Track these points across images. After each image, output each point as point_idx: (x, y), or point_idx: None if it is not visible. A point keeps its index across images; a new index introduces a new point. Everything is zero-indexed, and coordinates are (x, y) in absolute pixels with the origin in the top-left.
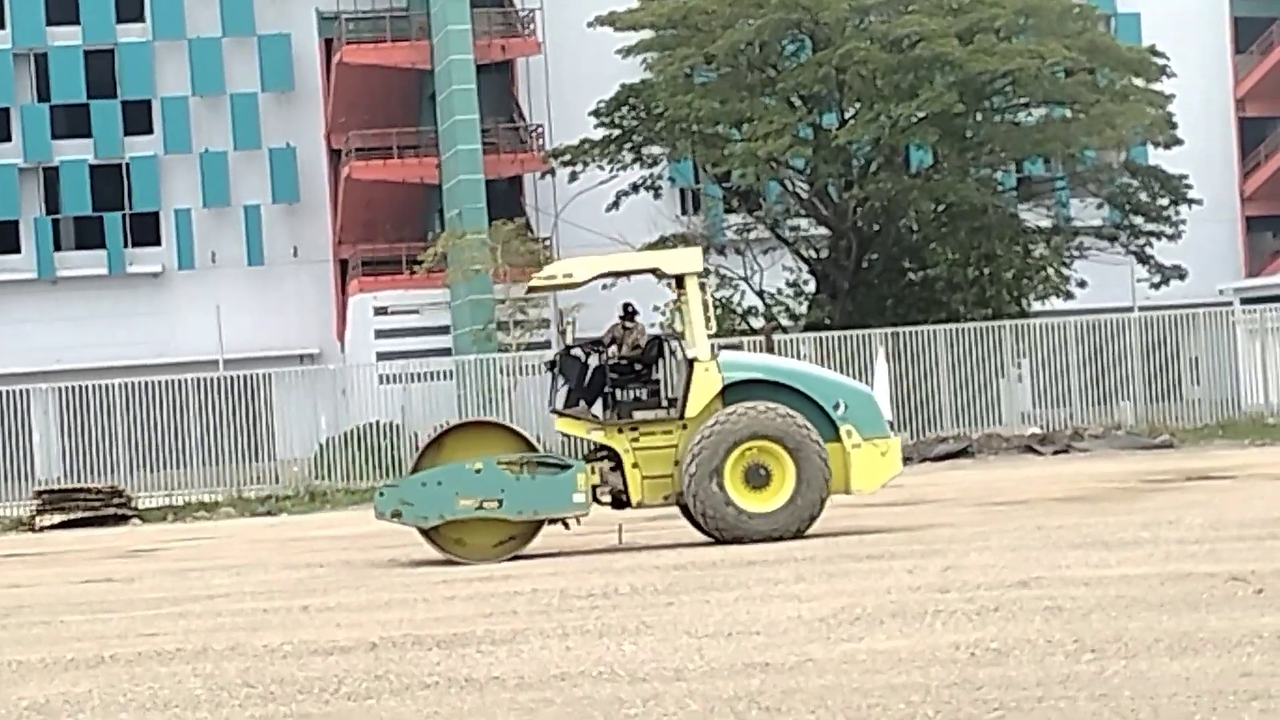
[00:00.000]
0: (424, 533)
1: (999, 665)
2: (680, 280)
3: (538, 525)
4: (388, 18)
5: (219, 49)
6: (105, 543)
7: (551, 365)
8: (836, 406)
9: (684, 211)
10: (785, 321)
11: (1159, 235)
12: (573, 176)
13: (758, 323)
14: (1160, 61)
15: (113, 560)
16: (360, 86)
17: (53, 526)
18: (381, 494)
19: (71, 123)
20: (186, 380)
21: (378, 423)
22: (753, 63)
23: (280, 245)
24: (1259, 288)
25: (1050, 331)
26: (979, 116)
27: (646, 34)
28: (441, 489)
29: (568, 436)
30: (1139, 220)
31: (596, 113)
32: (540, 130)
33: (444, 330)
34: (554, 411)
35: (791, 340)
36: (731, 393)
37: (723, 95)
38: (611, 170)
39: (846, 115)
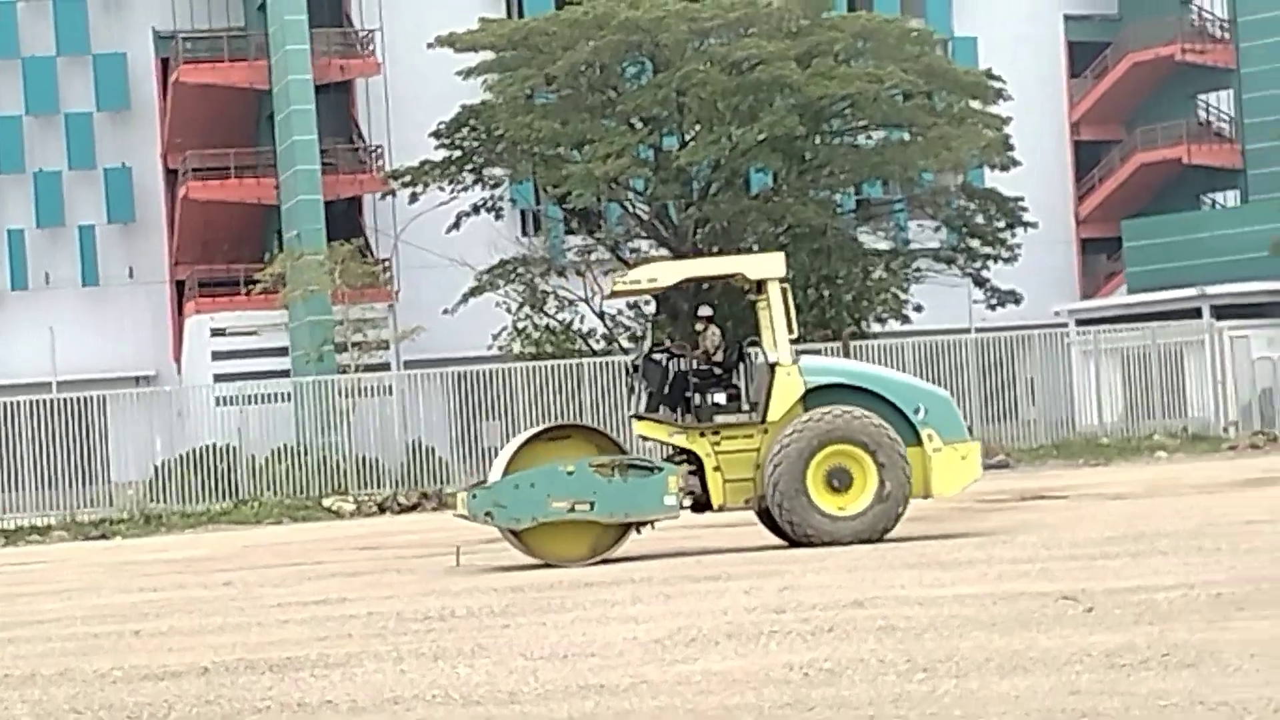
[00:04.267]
0: (515, 535)
1: (832, 685)
2: (762, 285)
3: (627, 528)
4: (225, 37)
5: (53, 68)
6: None
7: (633, 369)
8: (917, 411)
9: (525, 233)
10: (625, 343)
11: (995, 258)
12: (413, 198)
13: (598, 345)
14: (997, 85)
15: None
16: (197, 106)
17: None
18: (474, 496)
19: None
20: (19, 402)
21: (214, 445)
22: (593, 84)
23: (116, 266)
24: (1093, 309)
25: (889, 353)
26: (818, 139)
27: (486, 55)
28: (534, 491)
29: (647, 440)
30: (975, 243)
31: (436, 134)
32: (380, 151)
33: (282, 352)
34: (635, 416)
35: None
36: (813, 397)
37: (563, 117)
38: (452, 192)
39: (687, 137)
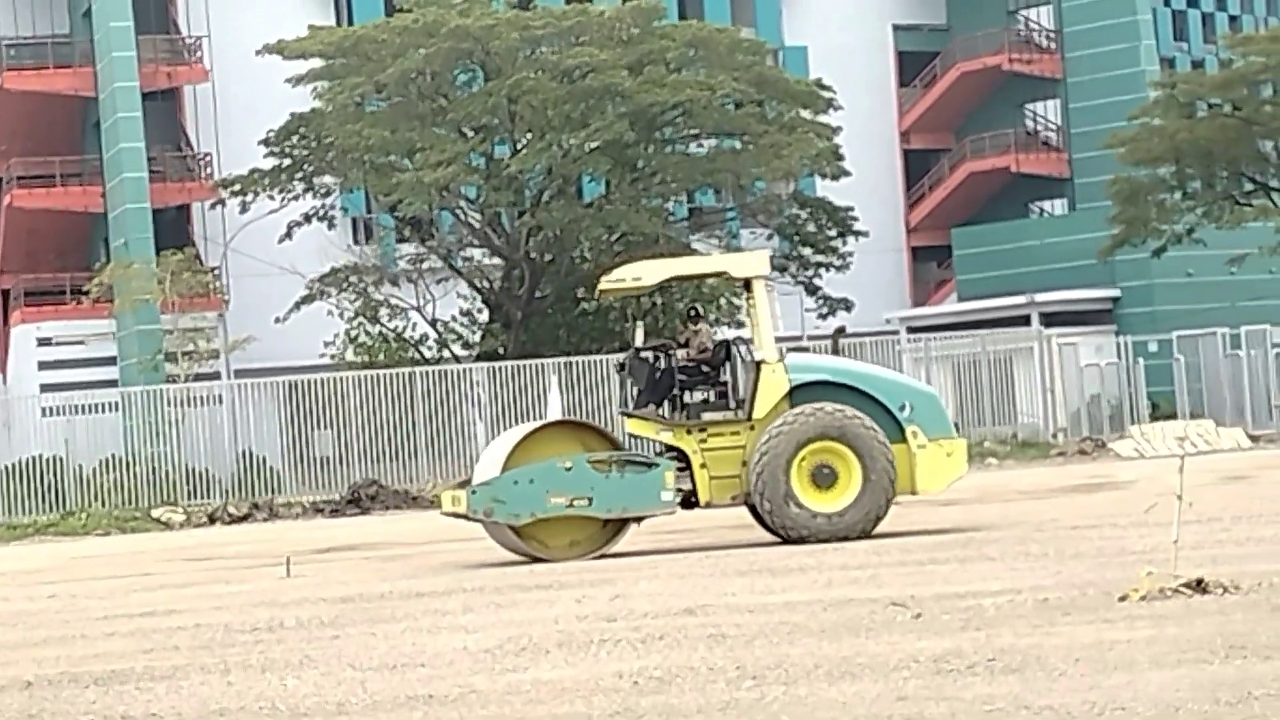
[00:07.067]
0: (514, 530)
1: (661, 694)
2: (748, 283)
3: (624, 523)
4: (50, 44)
5: None
6: None
7: (621, 367)
8: (903, 408)
9: (356, 241)
10: (459, 351)
11: (828, 266)
12: (243, 207)
13: (430, 352)
14: (827, 94)
15: None
16: (22, 113)
17: None
18: (474, 492)
19: None
20: None
21: (41, 456)
22: (424, 92)
23: None
24: (923, 316)
25: None
26: (650, 147)
27: (316, 63)
28: (533, 487)
29: (636, 438)
30: (808, 252)
31: (266, 142)
32: (209, 159)
33: (110, 361)
34: (623, 413)
35: (464, 370)
36: (798, 394)
37: (393, 125)
38: (282, 200)
39: (518, 145)
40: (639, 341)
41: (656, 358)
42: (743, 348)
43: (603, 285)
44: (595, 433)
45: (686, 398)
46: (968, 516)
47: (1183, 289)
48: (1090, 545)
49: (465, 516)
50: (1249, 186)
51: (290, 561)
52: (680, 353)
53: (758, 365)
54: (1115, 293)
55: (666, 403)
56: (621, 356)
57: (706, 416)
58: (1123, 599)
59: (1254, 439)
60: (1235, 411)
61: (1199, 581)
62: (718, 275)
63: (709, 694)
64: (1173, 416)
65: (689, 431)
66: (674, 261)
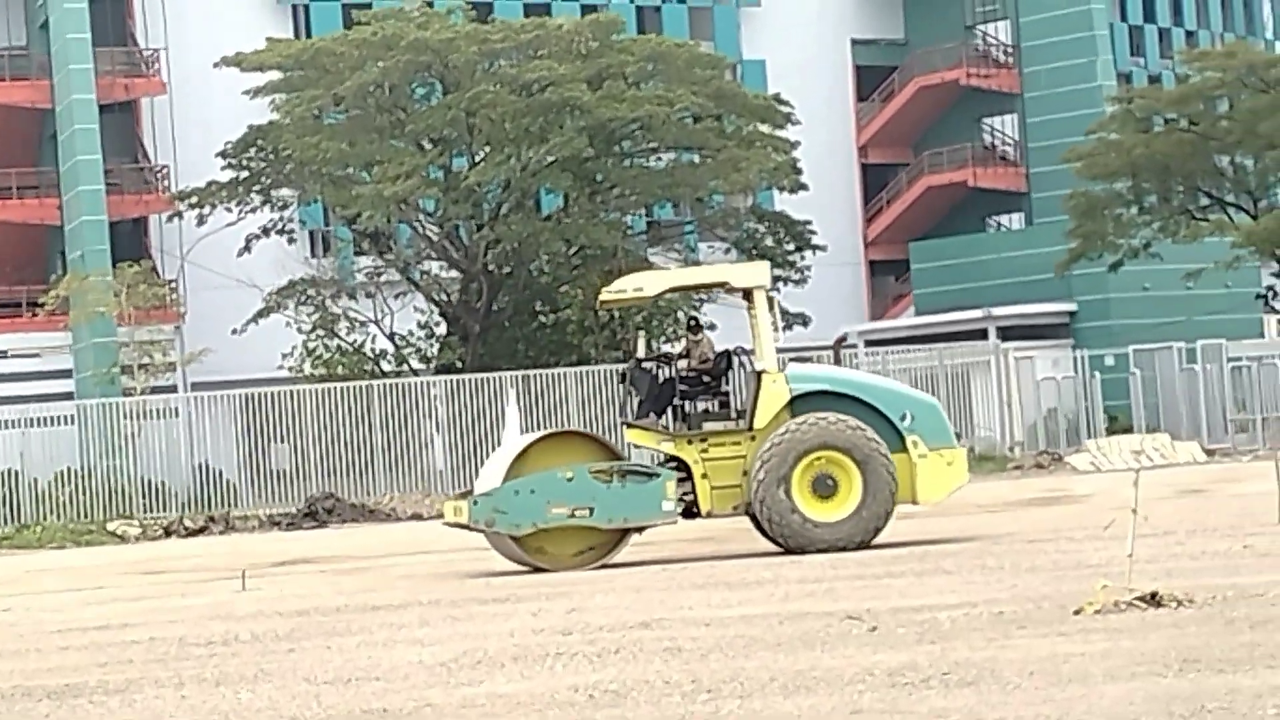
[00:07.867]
0: (515, 540)
1: (616, 707)
2: (749, 294)
3: (626, 533)
4: (6, 56)
5: None
6: None
7: (623, 378)
8: (903, 417)
9: (314, 254)
10: (416, 364)
11: (785, 280)
12: (200, 219)
13: (389, 365)
14: (785, 109)
15: None
16: None
17: None
18: (476, 503)
19: None
20: None
21: None
22: (382, 105)
23: None
24: (881, 330)
25: None
26: (609, 161)
27: (274, 75)
28: (534, 497)
29: (638, 447)
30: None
31: (223, 154)
32: (166, 171)
33: (66, 374)
34: (625, 423)
35: (422, 383)
36: (799, 404)
37: (351, 137)
38: (240, 213)
39: (476, 158)
40: (641, 352)
41: (658, 368)
42: (743, 358)
43: (604, 296)
44: (596, 443)
45: (688, 408)
46: (924, 530)
47: (1139, 303)
48: (1046, 559)
49: (467, 527)
50: (1205, 201)
51: (246, 575)
52: (681, 363)
53: (758, 375)
54: (1072, 307)
55: (668, 413)
56: (624, 367)
57: (708, 426)
58: (1078, 612)
59: (1209, 453)
60: (1191, 426)
61: (1153, 595)
62: (718, 286)
63: (664, 708)
64: (1129, 430)
65: (690, 441)
66: (675, 272)
